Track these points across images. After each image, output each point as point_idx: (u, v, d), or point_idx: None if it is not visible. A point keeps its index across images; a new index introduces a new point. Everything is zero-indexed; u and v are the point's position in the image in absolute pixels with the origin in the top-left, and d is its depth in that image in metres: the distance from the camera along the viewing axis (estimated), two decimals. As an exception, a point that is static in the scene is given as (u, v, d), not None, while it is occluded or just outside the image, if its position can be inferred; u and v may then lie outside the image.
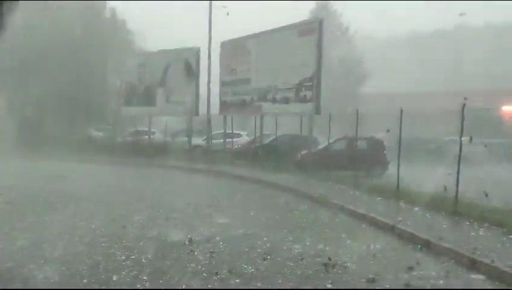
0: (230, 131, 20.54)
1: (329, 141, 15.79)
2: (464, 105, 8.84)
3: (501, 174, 12.59)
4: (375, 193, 11.08)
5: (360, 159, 13.75)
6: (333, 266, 5.81)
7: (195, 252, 6.38)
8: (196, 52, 20.90)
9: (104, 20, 28.80)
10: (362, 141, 15.26)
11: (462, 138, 9.25)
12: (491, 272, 5.55)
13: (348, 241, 7.19)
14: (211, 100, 22.42)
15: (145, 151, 21.20)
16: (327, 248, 6.70)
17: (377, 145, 16.42)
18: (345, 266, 5.83)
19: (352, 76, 37.92)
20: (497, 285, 5.31)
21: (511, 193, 9.78)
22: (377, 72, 37.92)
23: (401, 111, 11.00)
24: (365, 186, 12.10)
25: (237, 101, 19.52)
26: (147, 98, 22.60)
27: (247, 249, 6.61)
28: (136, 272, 5.55)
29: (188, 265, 5.86)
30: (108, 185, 13.04)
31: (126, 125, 24.87)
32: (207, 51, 21.83)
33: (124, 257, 6.10)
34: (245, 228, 7.91)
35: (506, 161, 17.66)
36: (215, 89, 21.31)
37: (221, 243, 6.91)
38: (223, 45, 20.45)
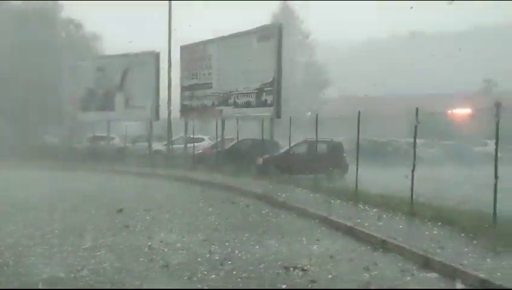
0: (192, 135, 20.35)
1: (291, 145, 15.96)
2: (417, 109, 9.16)
3: (453, 174, 13.17)
4: (335, 195, 11.27)
5: (320, 162, 13.97)
6: (293, 269, 5.85)
7: (155, 259, 6.25)
8: (156, 56, 20.62)
9: (60, 23, 27.90)
10: (322, 144, 15.53)
11: (417, 141, 9.59)
12: (444, 270, 5.75)
13: (308, 243, 7.27)
14: (172, 105, 22.15)
15: (104, 157, 20.66)
16: (287, 251, 6.74)
17: (336, 148, 16.75)
18: (305, 269, 5.88)
19: (313, 81, 38.61)
20: (449, 282, 5.50)
21: (463, 193, 10.24)
22: (337, 77, 38.80)
23: (359, 115, 11.27)
24: (325, 189, 12.30)
25: (198, 105, 19.41)
26: (105, 102, 22.07)
27: (207, 255, 6.54)
28: (91, 282, 5.36)
29: (147, 273, 5.73)
30: (64, 193, 12.60)
31: (84, 130, 24.16)
32: (167, 55, 21.56)
33: (79, 267, 5.88)
34: (205, 233, 7.83)
35: (457, 162, 18.45)
36: (176, 93, 21.08)
37: (181, 250, 6.81)
38: (183, 49, 20.30)
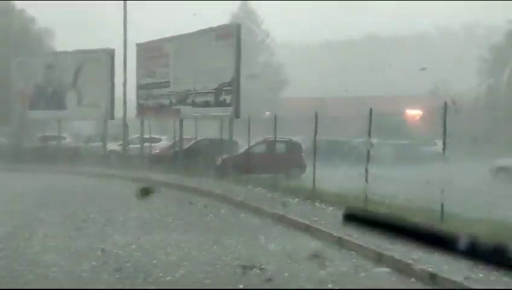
0: (148, 135, 19.94)
1: (250, 145, 15.98)
2: (371, 109, 9.44)
3: (404, 172, 13.64)
4: (293, 194, 11.41)
5: (279, 162, 14.08)
6: (251, 268, 5.86)
7: (108, 262, 6.07)
8: (111, 53, 20.05)
9: (11, 17, 26.54)
10: (281, 144, 15.66)
11: (370, 140, 9.89)
12: (396, 265, 5.95)
13: (266, 242, 7.30)
14: (128, 103, 21.59)
15: (55, 157, 19.83)
16: (245, 251, 6.74)
17: (295, 148, 16.96)
18: (262, 268, 5.90)
19: (272, 81, 38.92)
20: (400, 277, 5.70)
21: (413, 190, 10.64)
22: (295, 77, 39.32)
23: (316, 115, 11.47)
24: (283, 188, 12.42)
25: (155, 104, 19.06)
26: (56, 101, 21.20)
27: (163, 257, 6.42)
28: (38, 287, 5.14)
29: (101, 276, 5.56)
30: (11, 194, 12.00)
31: (34, 130, 23.10)
32: (122, 53, 20.99)
33: (26, 272, 5.61)
34: (162, 234, 7.69)
35: (408, 161, 19.18)
36: (132, 92, 20.60)
37: (136, 252, 6.65)
38: (139, 46, 19.86)
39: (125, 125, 20.75)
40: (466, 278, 5.18)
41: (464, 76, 32.30)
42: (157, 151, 20.32)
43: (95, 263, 6.06)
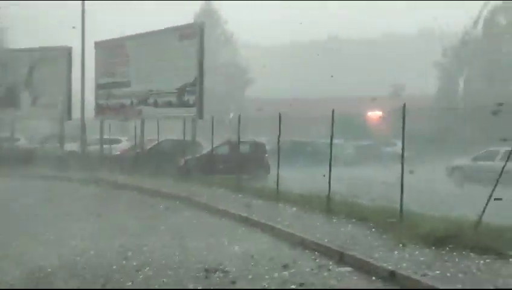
0: (109, 136, 19.40)
1: (213, 146, 15.86)
2: (333, 111, 9.56)
3: (366, 172, 13.93)
4: (257, 195, 11.40)
5: (243, 163, 14.05)
6: (214, 271, 5.78)
7: (67, 268, 5.83)
8: (68, 51, 19.35)
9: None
10: (245, 145, 15.63)
11: (334, 141, 10.02)
12: (357, 264, 6.04)
13: (229, 245, 7.24)
14: (86, 104, 20.92)
15: (8, 159, 18.87)
16: (208, 253, 6.65)
17: (259, 149, 16.98)
18: (225, 270, 5.84)
19: (236, 81, 38.86)
20: (362, 275, 5.78)
21: (374, 190, 10.87)
22: (260, 78, 39.42)
23: (280, 116, 11.52)
24: (247, 189, 12.39)
25: (116, 104, 18.58)
26: (9, 100, 20.21)
27: (123, 262, 6.24)
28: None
29: (57, 283, 5.32)
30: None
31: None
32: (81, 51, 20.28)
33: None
34: (122, 239, 7.47)
35: (370, 161, 19.64)
36: (91, 91, 19.98)
37: (94, 258, 6.42)
38: (98, 45, 19.29)
39: (83, 126, 20.08)
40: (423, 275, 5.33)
41: (420, 78, 33.47)
42: (118, 152, 19.82)
43: (50, 270, 5.80)
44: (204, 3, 39.46)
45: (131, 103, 17.87)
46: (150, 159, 16.79)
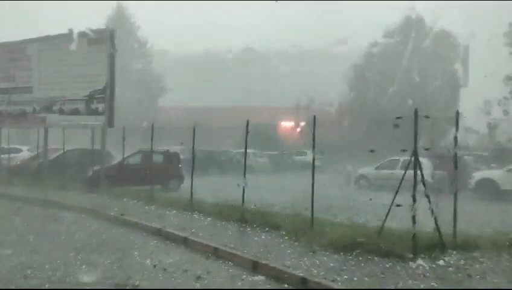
0: (7, 146, 17.72)
1: (124, 155, 15.23)
2: (248, 121, 9.70)
3: (278, 181, 14.37)
4: (170, 206, 11.15)
5: (156, 173, 13.67)
6: (124, 287, 5.51)
7: None
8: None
9: None
10: (158, 155, 15.24)
11: (248, 151, 10.16)
12: (270, 272, 6.14)
13: (141, 258, 6.96)
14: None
15: None
16: (118, 268, 6.32)
17: (172, 159, 16.66)
18: (136, 285, 5.59)
19: (149, 89, 37.88)
20: (275, 284, 5.88)
21: (287, 199, 11.21)
22: (174, 86, 38.80)
23: (194, 126, 11.41)
24: (161, 200, 12.06)
25: (16, 111, 17.09)
26: None
27: (22, 280, 5.69)
28: None
29: None
30: None
31: None
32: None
33: None
34: (22, 256, 6.82)
35: (282, 170, 20.26)
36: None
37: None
38: (-4, 47, 17.64)
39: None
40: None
41: (329, 90, 35.37)
42: (18, 162, 18.22)
43: None
44: (116, 7, 38.05)
45: (34, 110, 16.55)
46: (54, 170, 15.63)
